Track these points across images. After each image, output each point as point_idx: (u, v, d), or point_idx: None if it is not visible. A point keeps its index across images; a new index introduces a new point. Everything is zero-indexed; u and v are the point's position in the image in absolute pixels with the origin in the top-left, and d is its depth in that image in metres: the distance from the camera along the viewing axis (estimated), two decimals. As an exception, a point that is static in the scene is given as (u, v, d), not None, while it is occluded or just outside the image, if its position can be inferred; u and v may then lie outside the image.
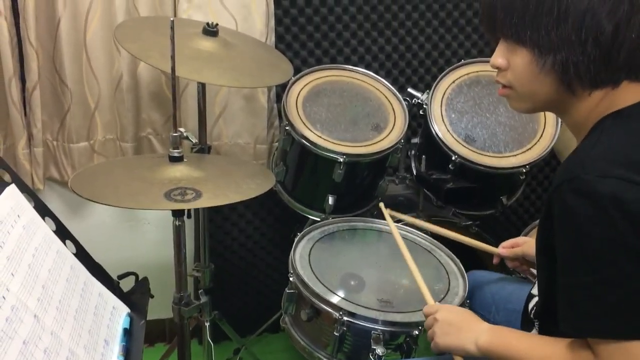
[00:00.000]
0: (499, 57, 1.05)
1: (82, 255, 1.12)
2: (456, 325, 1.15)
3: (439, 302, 1.45)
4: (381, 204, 1.70)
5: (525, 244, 1.48)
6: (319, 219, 1.83)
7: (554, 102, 1.03)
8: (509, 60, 1.04)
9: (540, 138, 1.85)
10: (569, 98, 1.01)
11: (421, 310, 1.38)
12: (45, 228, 1.04)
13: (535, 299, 1.21)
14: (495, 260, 1.54)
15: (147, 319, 1.95)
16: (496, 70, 1.08)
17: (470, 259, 1.74)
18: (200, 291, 1.48)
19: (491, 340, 1.08)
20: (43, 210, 1.08)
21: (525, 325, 1.24)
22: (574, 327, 0.95)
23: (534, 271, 1.47)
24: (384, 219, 1.78)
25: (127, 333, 1.09)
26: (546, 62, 0.98)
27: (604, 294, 0.90)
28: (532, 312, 1.20)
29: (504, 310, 1.45)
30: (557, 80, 0.99)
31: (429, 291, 1.32)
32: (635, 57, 0.96)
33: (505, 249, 1.50)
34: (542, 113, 1.88)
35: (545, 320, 1.14)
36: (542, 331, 1.15)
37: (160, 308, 1.63)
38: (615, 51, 0.94)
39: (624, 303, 0.90)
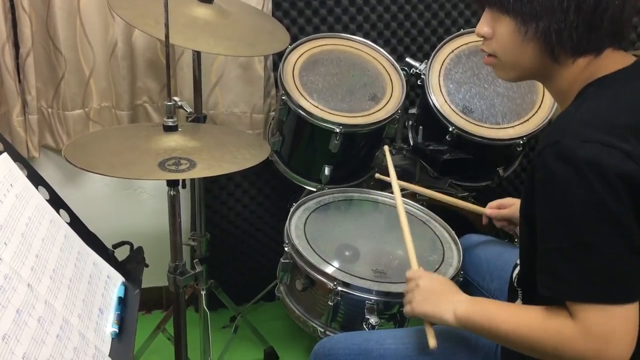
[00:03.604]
0: (484, 25, 1.06)
1: (76, 224, 1.12)
2: (437, 293, 1.15)
3: (434, 273, 1.46)
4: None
5: (512, 206, 1.51)
6: (315, 189, 1.83)
7: (538, 71, 1.04)
8: (493, 29, 1.04)
9: (538, 109, 1.84)
10: (553, 66, 1.02)
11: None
12: (38, 197, 1.04)
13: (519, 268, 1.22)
14: (484, 221, 1.57)
15: (145, 286, 1.96)
16: (482, 39, 1.08)
17: (465, 226, 1.75)
18: (195, 260, 1.49)
19: (469, 310, 1.09)
20: (36, 179, 1.07)
21: (511, 294, 1.26)
22: (553, 290, 0.96)
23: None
24: (380, 189, 1.79)
25: (122, 302, 1.09)
26: (529, 30, 0.98)
27: (584, 257, 0.91)
28: (515, 280, 1.22)
29: (497, 279, 1.46)
30: (541, 48, 0.99)
31: (422, 264, 1.32)
32: (618, 25, 0.97)
33: (492, 209, 1.53)
34: (541, 84, 1.86)
35: (528, 288, 1.15)
36: (526, 299, 1.16)
37: (157, 276, 1.64)
38: (598, 18, 0.95)
39: (603, 266, 0.91)
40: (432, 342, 1.13)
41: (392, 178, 1.50)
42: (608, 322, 0.91)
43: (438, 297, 1.14)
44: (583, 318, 0.92)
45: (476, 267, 1.53)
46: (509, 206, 1.51)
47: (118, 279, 1.15)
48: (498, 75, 1.11)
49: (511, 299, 1.22)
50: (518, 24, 0.99)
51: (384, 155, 1.63)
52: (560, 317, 0.96)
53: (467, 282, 1.52)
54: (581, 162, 0.88)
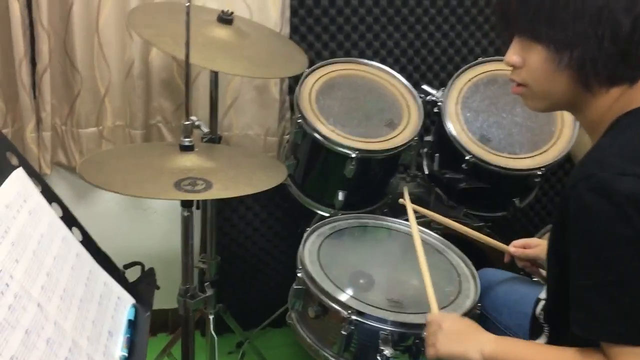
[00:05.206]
0: (513, 54, 1.04)
1: (88, 243, 1.09)
2: (462, 334, 1.12)
3: (451, 304, 1.42)
4: (404, 198, 1.61)
5: (538, 247, 1.46)
6: (327, 215, 1.80)
7: (570, 101, 1.01)
8: (524, 58, 1.02)
9: (557, 140, 1.81)
10: (585, 96, 0.99)
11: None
12: (51, 214, 1.01)
13: (543, 303, 1.18)
14: (506, 259, 1.52)
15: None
16: (510, 68, 1.06)
17: (480, 259, 1.71)
18: (206, 284, 1.45)
19: (497, 350, 1.05)
20: (50, 196, 1.05)
21: (534, 330, 1.21)
22: (588, 330, 0.92)
23: (544, 272, 1.45)
24: (394, 216, 1.76)
25: (132, 325, 1.06)
26: (562, 59, 0.96)
27: (621, 296, 0.88)
28: (541, 317, 1.17)
29: (515, 313, 1.42)
30: (574, 77, 0.97)
31: (438, 295, 1.29)
32: None
33: (516, 248, 1.48)
34: (560, 114, 1.85)
35: (555, 325, 1.11)
36: (552, 336, 1.12)
37: (163, 298, 1.60)
38: (633, 47, 0.93)
39: None
40: None
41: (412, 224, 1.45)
42: None
43: (463, 337, 1.11)
44: None
45: (493, 301, 1.48)
46: (535, 247, 1.46)
47: (129, 300, 1.11)
48: (527, 105, 1.08)
49: (534, 335, 1.18)
50: (551, 52, 0.96)
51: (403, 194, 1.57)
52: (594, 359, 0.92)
53: (484, 317, 1.48)
54: (619, 195, 0.85)
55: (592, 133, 1.04)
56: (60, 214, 1.06)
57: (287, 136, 2.05)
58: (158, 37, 1.51)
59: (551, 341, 1.12)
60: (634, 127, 0.95)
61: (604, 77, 0.96)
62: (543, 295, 1.19)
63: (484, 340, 1.08)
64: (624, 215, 0.85)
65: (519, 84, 1.05)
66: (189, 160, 1.26)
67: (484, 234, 1.64)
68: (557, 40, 0.95)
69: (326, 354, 1.41)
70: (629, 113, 0.97)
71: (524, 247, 1.47)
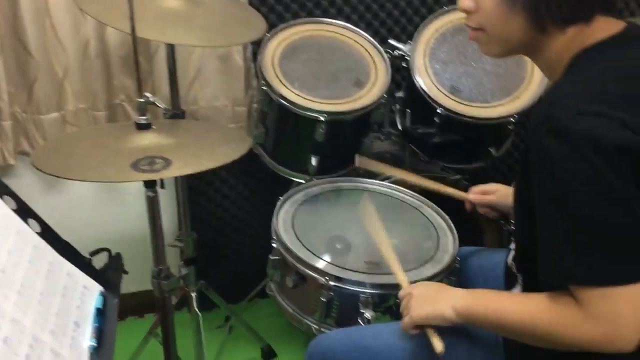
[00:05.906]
0: None
1: (48, 233, 1.05)
2: (432, 294, 1.11)
3: (430, 260, 1.41)
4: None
5: (497, 192, 1.45)
6: (303, 181, 1.77)
7: (526, 43, 0.99)
8: (477, 2, 0.99)
9: (528, 85, 1.78)
10: (542, 37, 0.96)
11: (410, 270, 1.34)
12: (3, 208, 0.98)
13: (513, 253, 1.16)
14: (467, 207, 1.51)
15: (135, 290, 1.91)
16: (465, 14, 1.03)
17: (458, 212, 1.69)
18: (180, 263, 1.43)
19: (469, 302, 1.04)
20: (1, 189, 1.01)
21: (509, 281, 1.20)
22: (553, 275, 0.91)
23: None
24: (370, 176, 1.74)
25: (100, 313, 1.03)
26: (516, 1, 0.93)
27: (584, 238, 0.86)
28: (513, 267, 1.16)
29: (492, 278, 1.40)
30: (528, 18, 0.94)
31: (417, 252, 1.27)
32: None
33: (475, 195, 1.48)
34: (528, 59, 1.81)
35: (528, 274, 1.10)
36: (526, 285, 1.11)
37: (147, 279, 1.58)
38: None
39: (605, 246, 0.86)
40: (438, 345, 1.07)
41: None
42: (614, 305, 0.86)
43: (435, 297, 1.09)
44: (587, 302, 0.87)
45: (468, 273, 1.46)
46: (493, 192, 1.45)
47: (96, 289, 1.08)
48: (483, 51, 1.05)
49: (509, 286, 1.17)
50: None
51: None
52: (566, 304, 0.90)
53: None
54: (577, 137, 0.83)
55: (550, 75, 1.01)
56: (14, 206, 1.02)
57: (256, 105, 2.00)
58: (107, 13, 1.45)
59: (525, 290, 1.10)
60: (591, 64, 0.93)
61: (558, 17, 0.92)
62: (513, 245, 1.18)
63: (455, 295, 1.07)
64: (584, 156, 0.82)
65: (475, 29, 1.02)
66: (146, 139, 1.22)
67: (460, 189, 1.62)
68: None
69: (308, 322, 1.40)
70: (586, 50, 0.94)
71: (483, 194, 1.46)
